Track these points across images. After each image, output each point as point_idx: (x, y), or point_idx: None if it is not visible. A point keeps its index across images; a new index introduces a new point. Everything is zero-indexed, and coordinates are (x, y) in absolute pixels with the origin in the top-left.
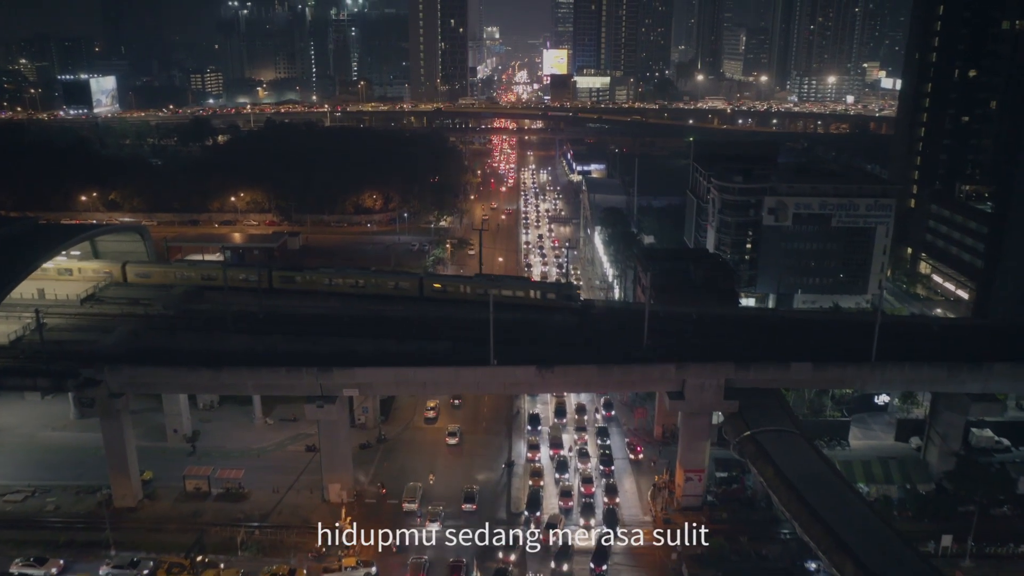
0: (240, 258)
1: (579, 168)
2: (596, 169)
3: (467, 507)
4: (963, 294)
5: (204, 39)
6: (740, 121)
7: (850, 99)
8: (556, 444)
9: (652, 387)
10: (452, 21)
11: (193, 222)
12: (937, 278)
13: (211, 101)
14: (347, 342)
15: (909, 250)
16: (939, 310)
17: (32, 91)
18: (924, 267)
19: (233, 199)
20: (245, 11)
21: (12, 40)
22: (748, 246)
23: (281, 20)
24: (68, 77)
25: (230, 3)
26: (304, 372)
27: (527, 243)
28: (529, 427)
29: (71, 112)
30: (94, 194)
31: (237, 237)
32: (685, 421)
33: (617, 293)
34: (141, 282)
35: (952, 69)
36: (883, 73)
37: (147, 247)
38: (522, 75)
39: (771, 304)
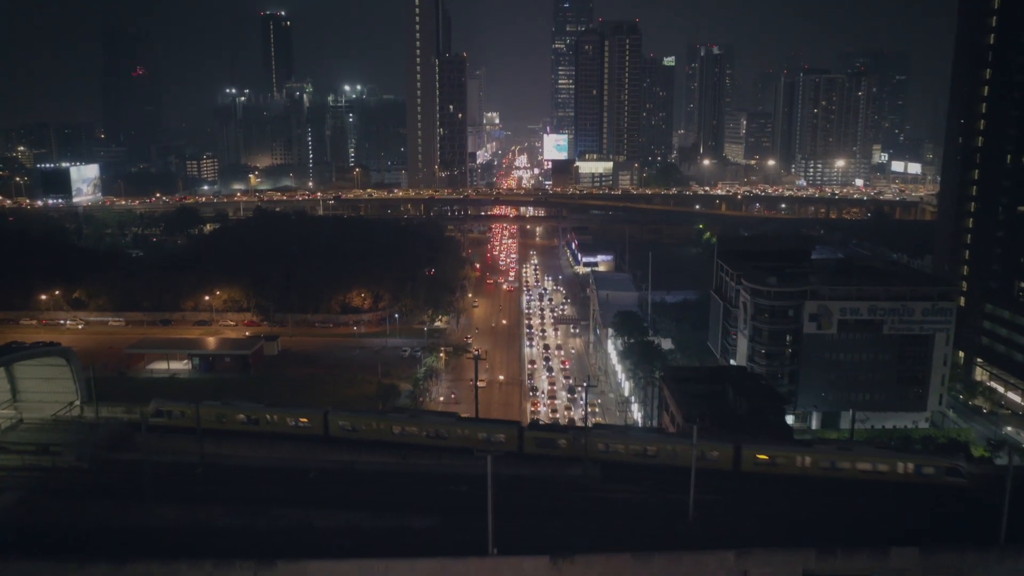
0: (209, 366)
1: (584, 260)
2: (603, 260)
3: None
4: None
5: (203, 126)
6: (746, 207)
7: (859, 182)
8: None
9: None
10: (451, 107)
11: (165, 322)
12: (998, 387)
13: (205, 187)
14: (305, 514)
15: (962, 354)
16: (1009, 428)
17: (18, 179)
18: (980, 373)
19: (208, 298)
20: (243, 98)
21: (12, 127)
22: (787, 352)
23: (278, 107)
24: (48, 165)
25: (228, 90)
26: (237, 566)
27: (532, 363)
28: None
29: (48, 201)
30: (57, 292)
31: (211, 341)
32: None
33: (637, 415)
34: (346, 436)
35: (1003, 155)
36: (885, 155)
37: (73, 372)
38: (522, 160)
39: (815, 424)
